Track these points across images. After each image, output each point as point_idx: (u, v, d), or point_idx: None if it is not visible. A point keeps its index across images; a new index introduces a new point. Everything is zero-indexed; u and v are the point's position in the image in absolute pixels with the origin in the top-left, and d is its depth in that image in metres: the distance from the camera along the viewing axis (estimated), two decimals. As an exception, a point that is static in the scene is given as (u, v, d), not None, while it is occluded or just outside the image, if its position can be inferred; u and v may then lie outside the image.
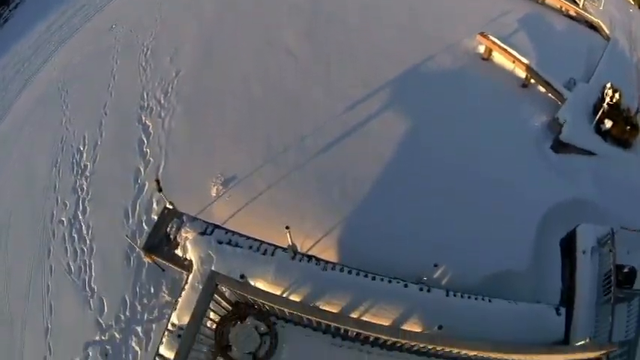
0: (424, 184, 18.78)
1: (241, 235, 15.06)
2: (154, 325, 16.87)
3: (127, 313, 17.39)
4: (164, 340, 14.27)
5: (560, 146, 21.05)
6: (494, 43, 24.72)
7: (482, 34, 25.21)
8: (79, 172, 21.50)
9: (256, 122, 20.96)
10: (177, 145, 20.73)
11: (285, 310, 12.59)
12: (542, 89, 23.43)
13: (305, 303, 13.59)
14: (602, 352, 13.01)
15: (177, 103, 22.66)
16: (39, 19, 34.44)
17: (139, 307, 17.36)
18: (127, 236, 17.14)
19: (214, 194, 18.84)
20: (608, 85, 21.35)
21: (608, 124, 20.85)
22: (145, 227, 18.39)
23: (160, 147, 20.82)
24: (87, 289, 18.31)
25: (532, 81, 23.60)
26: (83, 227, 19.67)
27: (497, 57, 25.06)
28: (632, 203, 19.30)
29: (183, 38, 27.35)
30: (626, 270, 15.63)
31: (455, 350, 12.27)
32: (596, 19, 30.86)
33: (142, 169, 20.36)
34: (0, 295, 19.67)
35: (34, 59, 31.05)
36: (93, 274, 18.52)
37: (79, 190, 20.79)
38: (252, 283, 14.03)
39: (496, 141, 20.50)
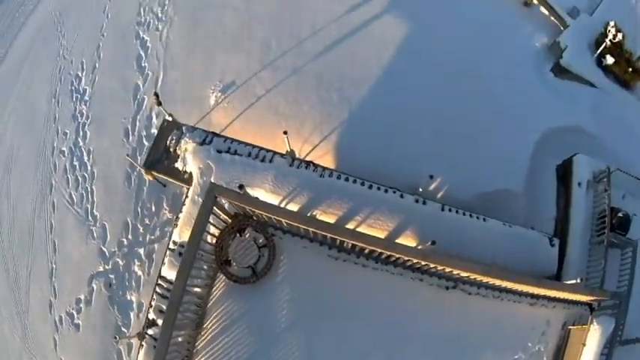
0: (424, 92, 18.73)
1: (240, 143, 15.05)
2: (156, 246, 17.26)
3: (129, 237, 17.76)
4: (166, 260, 14.45)
5: (559, 71, 20.84)
6: None
7: None
8: (78, 97, 21.78)
9: (253, 27, 20.83)
10: (175, 56, 20.79)
11: (283, 220, 12.60)
12: (544, 11, 22.85)
13: (302, 212, 13.77)
14: (593, 297, 13.43)
15: (175, 14, 22.50)
16: None
17: (140, 229, 17.70)
18: (127, 155, 17.26)
19: (213, 102, 18.90)
20: (612, 24, 21.01)
21: (609, 59, 20.71)
22: (146, 143, 18.60)
23: (158, 60, 20.88)
24: (89, 217, 18.67)
25: (534, 1, 23.03)
26: (84, 153, 20.04)
27: None
28: (629, 145, 19.38)
29: None
30: (620, 214, 15.99)
31: (447, 269, 12.46)
32: None
33: (140, 85, 20.48)
34: (4, 243, 20.44)
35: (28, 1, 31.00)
36: (95, 200, 18.89)
37: (79, 116, 21.10)
38: (251, 192, 14.11)
39: (496, 56, 20.38)
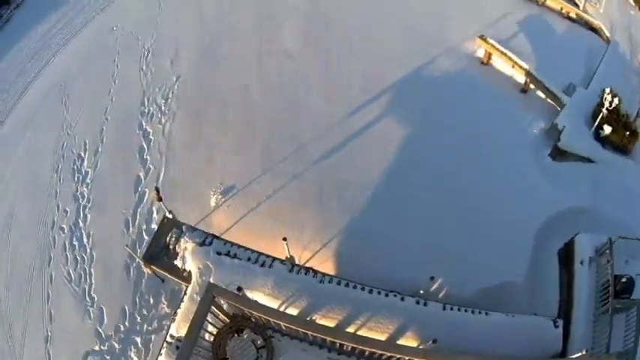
0: (422, 194, 19.44)
1: (240, 247, 15.52)
2: (152, 337, 17.57)
3: (127, 324, 18.06)
4: (163, 351, 14.75)
5: (558, 154, 21.64)
6: (493, 46, 25.72)
7: (481, 37, 26.16)
8: (80, 178, 22.28)
9: (256, 129, 21.67)
10: (178, 153, 21.47)
11: (282, 323, 13.06)
12: (541, 94, 24.13)
13: (301, 316, 14.03)
14: (599, 364, 13.41)
15: (178, 109, 23.41)
16: (41, 20, 34.98)
17: (138, 318, 18.03)
18: (126, 246, 17.75)
19: (214, 204, 19.46)
20: (607, 90, 21.88)
21: (607, 129, 21.55)
22: (146, 237, 19.03)
23: (160, 154, 21.61)
24: (87, 298, 18.97)
25: (531, 86, 24.25)
26: (84, 235, 20.40)
27: (497, 61, 25.92)
28: (630, 211, 19.84)
29: (183, 40, 28.00)
30: (624, 280, 16.16)
31: (449, 364, 12.69)
32: (596, 22, 31.53)
33: (142, 177, 21.10)
34: (1, 302, 20.25)
35: (36, 62, 31.81)
36: (93, 282, 19.20)
37: (80, 197, 21.54)
38: (250, 295, 14.51)
39: (495, 149, 21.19)
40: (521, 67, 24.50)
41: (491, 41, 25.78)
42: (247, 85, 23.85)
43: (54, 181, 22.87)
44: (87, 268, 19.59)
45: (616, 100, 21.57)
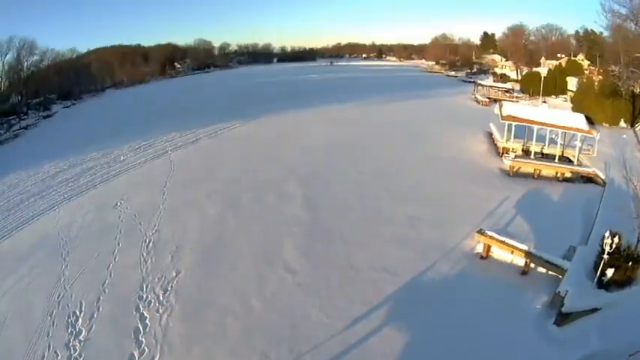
0: None
1: None
2: None
3: None
4: None
5: (563, 319, 22.51)
6: (492, 238, 28.01)
7: (479, 231, 28.80)
8: (74, 333, 24.55)
9: (254, 337, 22.93)
10: (174, 345, 23.01)
11: None
12: (542, 270, 25.88)
13: None
14: None
15: (176, 303, 25.95)
16: (47, 157, 38.27)
17: None
18: None
19: None
20: (607, 234, 22.57)
21: (609, 273, 22.40)
22: None
23: (155, 340, 23.43)
24: None
25: (532, 265, 26.07)
26: None
27: (496, 251, 27.89)
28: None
29: (184, 238, 31.59)
30: None
31: None
32: (591, 171, 35.39)
33: (136, 356, 22.79)
34: None
35: (40, 200, 35.85)
36: None
37: (72, 349, 23.51)
38: None
39: (499, 337, 22.18)
40: (520, 250, 25.95)
41: (490, 233, 27.67)
42: (247, 295, 25.82)
43: (47, 323, 25.06)
44: (75, 416, 21.13)
45: (616, 239, 22.29)
